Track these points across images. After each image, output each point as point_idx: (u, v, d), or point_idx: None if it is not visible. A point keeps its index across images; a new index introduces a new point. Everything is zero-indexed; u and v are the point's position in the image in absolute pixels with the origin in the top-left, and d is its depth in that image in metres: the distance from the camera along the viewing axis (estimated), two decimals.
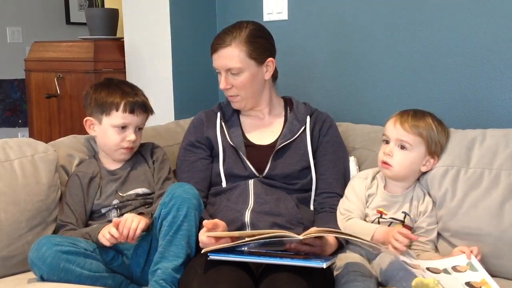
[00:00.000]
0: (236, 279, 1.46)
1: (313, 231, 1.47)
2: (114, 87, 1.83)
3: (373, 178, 1.78)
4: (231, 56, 1.79)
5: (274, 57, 1.87)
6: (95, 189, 1.78)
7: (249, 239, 1.50)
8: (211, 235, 1.55)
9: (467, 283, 1.49)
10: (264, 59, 1.83)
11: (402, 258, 1.51)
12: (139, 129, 1.83)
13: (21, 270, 1.71)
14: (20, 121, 4.60)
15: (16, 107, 4.62)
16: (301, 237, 1.43)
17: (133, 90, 1.84)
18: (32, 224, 1.73)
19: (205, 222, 1.58)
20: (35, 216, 1.74)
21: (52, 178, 1.81)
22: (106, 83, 1.87)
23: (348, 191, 1.79)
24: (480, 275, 1.52)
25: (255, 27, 1.84)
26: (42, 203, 1.76)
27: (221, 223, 1.63)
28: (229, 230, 1.70)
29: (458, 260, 1.57)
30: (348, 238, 1.51)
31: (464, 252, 1.57)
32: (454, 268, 1.55)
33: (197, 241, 1.61)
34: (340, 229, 1.67)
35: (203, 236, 1.57)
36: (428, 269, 1.52)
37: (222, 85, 1.83)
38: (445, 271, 1.53)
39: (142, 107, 1.82)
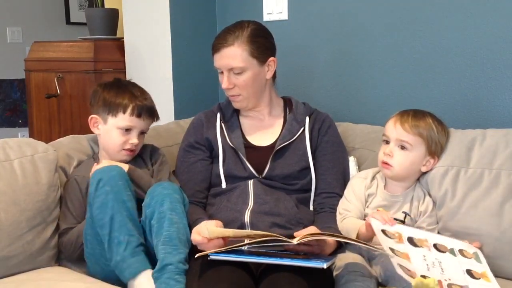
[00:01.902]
0: (236, 279, 1.46)
1: (306, 234, 1.45)
2: (124, 88, 1.83)
3: (373, 178, 1.77)
4: (234, 56, 1.78)
5: (275, 56, 1.87)
6: None
7: (245, 242, 1.48)
8: (207, 233, 1.54)
9: (468, 271, 1.49)
10: (266, 58, 1.83)
11: (408, 233, 1.51)
12: (142, 132, 1.83)
13: (21, 270, 1.71)
14: (20, 121, 4.60)
15: (16, 107, 4.62)
16: (295, 242, 1.42)
17: (143, 94, 1.84)
18: (32, 224, 1.73)
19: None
20: (35, 216, 1.74)
21: (52, 178, 1.81)
22: (116, 83, 1.86)
23: (347, 191, 1.79)
24: (483, 267, 1.53)
25: (256, 27, 1.84)
26: (42, 203, 1.76)
27: (218, 223, 1.62)
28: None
29: (466, 246, 1.58)
30: (342, 240, 1.49)
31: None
32: (461, 252, 1.55)
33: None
34: (339, 229, 1.68)
35: (196, 235, 1.57)
36: (435, 245, 1.52)
37: (224, 85, 1.82)
38: (451, 251, 1.53)
39: (149, 112, 1.82)
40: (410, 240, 1.51)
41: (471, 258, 1.54)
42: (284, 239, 1.44)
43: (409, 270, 1.43)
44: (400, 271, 1.44)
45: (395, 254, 1.47)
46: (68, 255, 1.76)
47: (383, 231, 1.52)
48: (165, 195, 1.60)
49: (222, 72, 1.83)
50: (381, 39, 2.18)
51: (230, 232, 1.55)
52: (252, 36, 1.80)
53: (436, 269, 1.45)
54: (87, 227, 1.65)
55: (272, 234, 1.47)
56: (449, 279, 1.43)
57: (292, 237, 1.66)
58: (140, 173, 1.75)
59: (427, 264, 1.45)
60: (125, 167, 1.72)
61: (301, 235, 1.46)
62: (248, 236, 1.49)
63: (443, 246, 1.54)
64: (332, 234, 1.51)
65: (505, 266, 1.62)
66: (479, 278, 1.49)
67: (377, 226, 1.54)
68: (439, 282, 1.41)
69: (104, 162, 1.73)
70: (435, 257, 1.49)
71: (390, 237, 1.51)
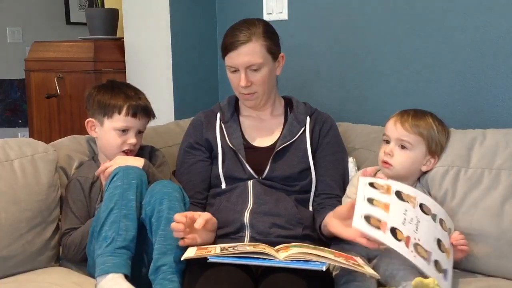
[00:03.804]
0: (236, 279, 1.46)
1: (295, 253, 1.44)
2: (117, 89, 1.82)
3: (374, 176, 1.77)
4: (253, 52, 1.76)
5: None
6: (96, 194, 1.78)
7: (239, 250, 1.47)
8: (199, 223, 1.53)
9: (438, 241, 1.50)
10: (278, 54, 1.83)
11: (398, 188, 1.52)
12: (139, 132, 1.83)
13: (21, 270, 1.71)
14: (20, 121, 4.60)
15: (16, 107, 4.62)
16: (281, 257, 1.42)
17: (136, 94, 1.84)
18: (32, 224, 1.73)
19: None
20: (35, 216, 1.74)
21: (52, 178, 1.81)
22: (109, 85, 1.86)
23: (349, 189, 1.79)
24: (448, 242, 1.55)
25: (265, 23, 1.84)
26: (42, 203, 1.76)
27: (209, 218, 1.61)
28: (228, 231, 1.70)
29: (446, 217, 1.60)
30: (331, 263, 1.46)
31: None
32: (441, 221, 1.56)
33: None
34: None
35: (180, 216, 1.53)
36: (421, 205, 1.53)
37: (243, 83, 1.77)
38: (433, 216, 1.54)
39: (144, 111, 1.81)
40: (398, 194, 1.51)
41: (446, 231, 1.56)
42: (272, 253, 1.43)
43: (379, 221, 1.43)
44: (361, 224, 1.42)
45: (372, 205, 1.46)
46: (71, 256, 1.76)
47: (371, 184, 1.52)
48: (165, 193, 1.60)
49: (235, 71, 1.80)
50: (381, 39, 2.18)
51: (217, 248, 1.51)
52: (266, 32, 1.79)
53: (411, 226, 1.45)
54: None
55: (260, 248, 1.45)
56: (418, 240, 1.44)
57: (292, 237, 1.68)
58: (153, 171, 1.75)
59: (404, 219, 1.45)
60: (141, 162, 1.73)
61: (288, 254, 1.45)
62: (234, 248, 1.48)
63: (428, 208, 1.54)
64: (320, 255, 1.45)
65: (505, 266, 1.62)
66: (444, 252, 1.50)
67: (364, 179, 1.54)
68: (407, 238, 1.42)
69: (119, 159, 1.73)
70: (416, 215, 1.49)
71: (376, 188, 1.51)
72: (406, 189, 1.55)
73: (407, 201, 1.50)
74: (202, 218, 1.56)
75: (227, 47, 1.78)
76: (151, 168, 1.74)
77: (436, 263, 1.45)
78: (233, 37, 1.77)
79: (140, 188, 1.63)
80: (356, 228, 1.43)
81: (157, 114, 1.91)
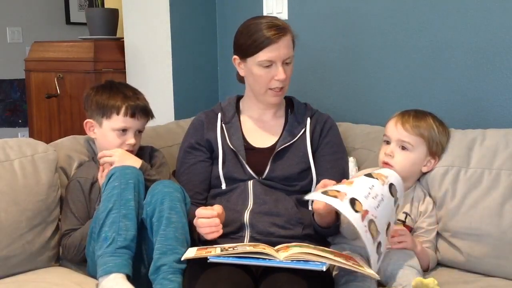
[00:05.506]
0: (236, 279, 1.46)
1: (295, 253, 1.44)
2: (116, 90, 1.82)
3: None
4: (289, 44, 1.78)
5: None
6: (96, 194, 1.78)
7: (235, 251, 1.48)
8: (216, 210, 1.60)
9: (389, 224, 1.49)
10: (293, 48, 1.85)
11: (366, 172, 1.52)
12: (138, 132, 1.83)
13: (21, 270, 1.71)
14: (20, 121, 4.60)
15: (16, 107, 4.62)
16: (281, 258, 1.43)
17: (135, 94, 1.84)
18: (32, 224, 1.73)
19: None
20: (35, 215, 1.74)
21: (52, 178, 1.81)
22: (107, 85, 1.86)
23: None
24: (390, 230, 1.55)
25: None
26: (42, 203, 1.76)
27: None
28: (228, 230, 1.70)
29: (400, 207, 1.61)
30: (332, 263, 1.46)
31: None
32: (397, 207, 1.55)
33: (192, 235, 1.62)
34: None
35: (208, 210, 1.61)
36: (390, 186, 1.52)
37: (282, 76, 1.76)
38: (396, 200, 1.52)
39: (143, 111, 1.81)
40: (368, 175, 1.51)
41: (395, 219, 1.58)
42: (272, 253, 1.44)
43: (337, 191, 1.43)
44: (316, 195, 1.46)
45: (335, 184, 1.49)
46: (71, 258, 1.76)
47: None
48: (166, 193, 1.60)
49: (268, 66, 1.76)
50: (381, 39, 2.18)
51: (218, 249, 1.52)
52: (289, 25, 1.81)
53: (374, 201, 1.44)
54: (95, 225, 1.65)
55: (260, 248, 1.46)
56: (375, 217, 1.43)
57: (292, 237, 1.68)
58: (151, 172, 1.76)
59: (368, 193, 1.44)
60: (138, 162, 1.73)
61: (289, 254, 1.45)
62: (234, 248, 1.49)
63: (395, 190, 1.53)
64: (321, 255, 1.45)
65: (505, 266, 1.62)
66: (387, 237, 1.51)
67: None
68: (365, 211, 1.41)
69: (120, 152, 1.74)
70: (382, 192, 1.48)
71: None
72: (379, 170, 1.55)
73: (376, 178, 1.50)
74: (218, 206, 1.63)
75: (265, 41, 1.74)
76: (148, 171, 1.74)
77: (379, 245, 1.45)
78: (270, 30, 1.75)
79: (138, 187, 1.63)
80: (311, 198, 1.47)
81: (157, 114, 1.91)
